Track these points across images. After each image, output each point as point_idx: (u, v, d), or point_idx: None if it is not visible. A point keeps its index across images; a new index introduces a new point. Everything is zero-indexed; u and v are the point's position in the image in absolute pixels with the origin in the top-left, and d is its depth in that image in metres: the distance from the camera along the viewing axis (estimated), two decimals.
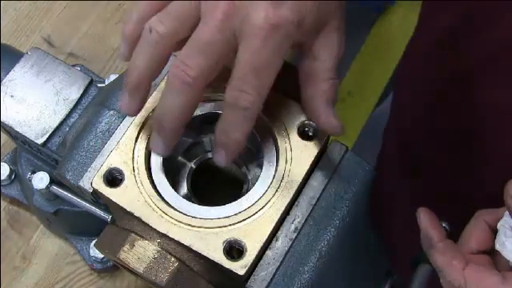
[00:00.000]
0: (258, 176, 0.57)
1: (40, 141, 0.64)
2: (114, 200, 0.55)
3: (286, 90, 0.58)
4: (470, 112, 0.61)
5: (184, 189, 0.61)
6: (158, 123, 0.53)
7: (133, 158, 0.57)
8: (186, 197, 0.61)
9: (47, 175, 0.69)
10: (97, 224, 0.64)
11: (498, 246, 0.48)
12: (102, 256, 0.76)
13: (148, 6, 0.53)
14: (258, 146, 0.58)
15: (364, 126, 1.15)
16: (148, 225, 0.54)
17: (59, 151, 0.64)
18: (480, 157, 0.62)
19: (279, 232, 0.55)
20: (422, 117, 0.72)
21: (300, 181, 0.56)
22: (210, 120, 0.61)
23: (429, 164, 0.71)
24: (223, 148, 0.53)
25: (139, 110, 0.55)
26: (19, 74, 0.66)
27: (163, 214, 0.54)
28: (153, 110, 0.58)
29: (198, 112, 0.59)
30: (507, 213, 0.48)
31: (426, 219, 0.52)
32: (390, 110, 0.84)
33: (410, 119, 0.76)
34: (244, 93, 0.50)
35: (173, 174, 0.61)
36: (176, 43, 0.52)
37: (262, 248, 0.54)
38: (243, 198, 0.56)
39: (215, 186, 0.64)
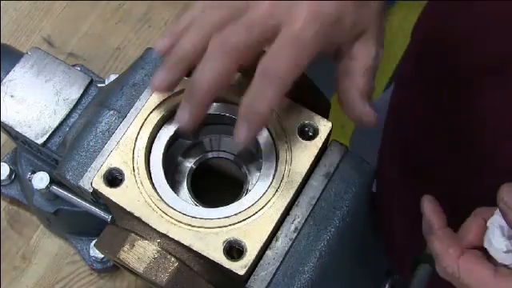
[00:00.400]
0: (258, 176, 0.57)
1: (40, 141, 0.64)
2: (114, 200, 0.55)
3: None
4: (470, 112, 0.62)
5: (184, 189, 0.61)
6: (189, 90, 0.53)
7: (133, 158, 0.57)
8: (186, 197, 0.61)
9: (47, 175, 0.69)
10: (97, 224, 0.64)
11: (485, 244, 0.49)
12: (102, 256, 0.76)
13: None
14: (257, 146, 0.58)
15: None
16: (148, 225, 0.54)
17: (59, 151, 0.64)
18: (480, 157, 0.62)
19: (279, 232, 0.55)
20: (421, 116, 0.72)
21: (300, 181, 0.56)
22: (210, 121, 0.61)
23: (429, 163, 0.71)
24: (246, 122, 0.52)
25: (169, 87, 0.55)
26: (19, 74, 0.66)
27: (163, 214, 0.54)
28: (152, 110, 0.58)
29: None
30: (497, 211, 0.49)
31: (429, 206, 0.54)
32: (389, 108, 0.84)
33: (409, 118, 0.76)
34: (279, 61, 0.50)
35: (173, 174, 0.61)
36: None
37: (262, 248, 0.54)
38: (243, 198, 0.56)
39: (215, 186, 0.64)
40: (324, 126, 0.57)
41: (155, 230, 0.54)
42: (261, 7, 0.52)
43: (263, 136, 0.58)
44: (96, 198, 0.58)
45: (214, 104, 0.59)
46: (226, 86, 0.53)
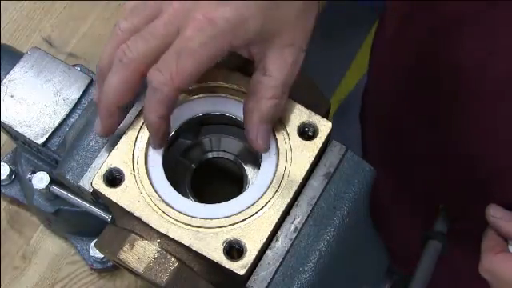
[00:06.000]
0: (258, 176, 0.57)
1: (40, 141, 0.64)
2: (113, 200, 0.55)
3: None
4: (450, 74, 0.65)
5: (184, 189, 0.61)
6: (98, 103, 0.56)
7: (133, 158, 0.57)
8: (186, 197, 0.61)
9: (47, 175, 0.69)
10: (97, 224, 0.64)
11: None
12: (102, 256, 0.76)
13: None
14: None
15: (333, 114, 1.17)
16: (148, 225, 0.54)
17: (59, 151, 0.64)
18: (461, 127, 0.65)
19: (279, 232, 0.55)
20: (399, 90, 0.74)
21: (300, 181, 0.56)
22: (210, 121, 0.61)
23: (408, 137, 0.74)
24: (148, 130, 0.55)
25: (112, 130, 0.57)
26: (19, 74, 0.66)
27: (163, 214, 0.54)
28: None
29: (197, 113, 0.59)
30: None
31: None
32: (365, 88, 0.86)
33: (386, 92, 0.78)
34: (158, 72, 0.51)
35: (173, 174, 0.61)
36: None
37: (262, 248, 0.54)
38: (243, 198, 0.56)
39: (215, 186, 0.64)
40: (324, 126, 0.57)
41: (155, 230, 0.54)
42: (165, 14, 0.52)
43: None
44: (96, 198, 0.58)
45: (214, 104, 0.59)
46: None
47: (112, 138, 0.58)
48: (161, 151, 0.57)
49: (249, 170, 0.62)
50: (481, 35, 0.60)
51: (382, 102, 0.81)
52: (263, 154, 0.57)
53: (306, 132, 0.57)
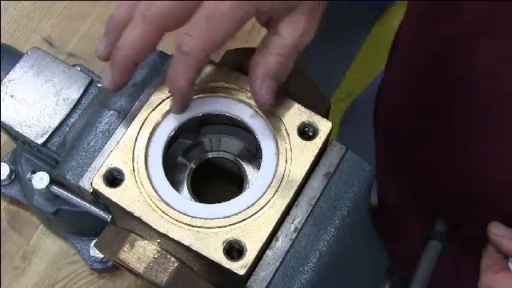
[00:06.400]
0: (258, 176, 0.57)
1: (40, 141, 0.64)
2: (113, 200, 0.55)
3: (289, 92, 0.58)
4: (460, 82, 0.64)
5: (184, 189, 0.61)
6: (113, 56, 0.54)
7: (133, 158, 0.57)
8: (186, 197, 0.61)
9: (47, 175, 0.69)
10: (97, 224, 0.64)
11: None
12: (102, 256, 0.76)
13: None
14: (257, 146, 0.58)
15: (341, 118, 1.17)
16: (148, 225, 0.54)
17: (59, 151, 0.64)
18: (474, 133, 0.65)
19: (279, 232, 0.55)
20: (415, 90, 0.74)
21: (300, 181, 0.56)
22: (210, 121, 0.61)
23: (418, 139, 0.74)
24: (172, 94, 0.55)
25: (120, 87, 0.56)
26: (19, 74, 0.66)
27: (163, 214, 0.55)
28: (152, 110, 0.58)
29: (197, 113, 0.59)
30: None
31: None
32: (380, 88, 0.86)
33: (402, 93, 0.78)
34: (189, 37, 0.51)
35: (173, 174, 0.61)
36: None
37: (262, 248, 0.54)
38: (243, 198, 0.56)
39: (215, 186, 0.64)
40: (324, 126, 0.57)
41: (155, 230, 0.54)
42: None
43: (263, 136, 0.58)
44: (96, 198, 0.58)
45: (213, 104, 0.59)
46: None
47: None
48: (161, 151, 0.57)
49: (249, 170, 0.62)
50: (496, 40, 0.60)
51: (395, 101, 0.81)
52: (263, 154, 0.57)
53: (306, 132, 0.57)
